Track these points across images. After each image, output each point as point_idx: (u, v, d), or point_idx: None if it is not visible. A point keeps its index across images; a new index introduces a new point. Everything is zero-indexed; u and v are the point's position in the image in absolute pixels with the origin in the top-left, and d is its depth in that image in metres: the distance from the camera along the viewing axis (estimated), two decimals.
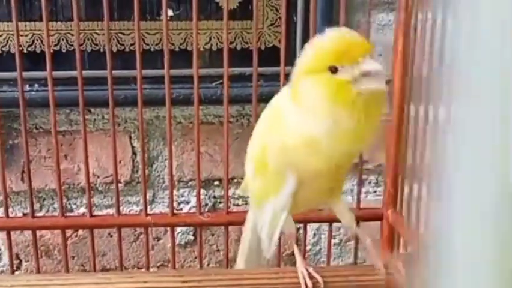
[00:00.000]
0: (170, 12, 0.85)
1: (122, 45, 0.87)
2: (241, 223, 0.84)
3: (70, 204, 0.94)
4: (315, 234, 0.99)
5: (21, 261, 0.96)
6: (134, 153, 0.93)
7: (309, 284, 0.61)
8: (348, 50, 0.54)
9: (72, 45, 0.86)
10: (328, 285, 0.61)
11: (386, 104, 0.60)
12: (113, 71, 0.77)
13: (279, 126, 0.58)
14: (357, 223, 0.82)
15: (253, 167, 0.62)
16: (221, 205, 0.96)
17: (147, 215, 0.81)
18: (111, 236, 0.96)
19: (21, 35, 0.84)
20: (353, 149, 0.59)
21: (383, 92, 0.55)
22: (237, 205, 0.96)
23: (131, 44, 0.87)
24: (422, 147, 0.73)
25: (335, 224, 0.85)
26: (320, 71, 0.54)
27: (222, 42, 0.87)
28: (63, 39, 0.86)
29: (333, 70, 0.53)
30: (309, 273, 0.62)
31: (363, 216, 0.81)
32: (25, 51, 0.85)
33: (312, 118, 0.55)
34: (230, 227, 0.84)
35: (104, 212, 0.94)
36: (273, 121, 0.60)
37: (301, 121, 0.56)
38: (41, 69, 0.84)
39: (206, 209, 0.96)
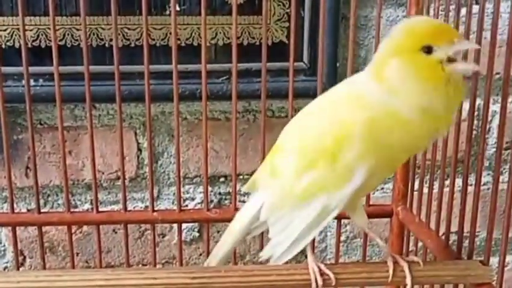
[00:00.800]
0: (177, 7, 0.84)
1: (128, 40, 0.86)
2: None
3: (74, 200, 0.94)
4: (321, 232, 0.98)
5: (25, 257, 0.96)
6: (139, 149, 0.92)
7: (320, 280, 0.60)
8: (444, 31, 0.56)
9: (77, 40, 0.85)
10: (339, 282, 0.60)
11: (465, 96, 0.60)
12: (119, 66, 0.76)
13: (362, 108, 0.56)
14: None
15: (309, 159, 0.58)
16: (226, 201, 0.96)
17: (154, 211, 0.80)
18: (115, 233, 0.95)
19: (27, 30, 0.83)
20: (439, 129, 0.58)
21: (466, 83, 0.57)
22: (243, 202, 0.95)
23: (137, 39, 0.86)
24: (434, 143, 0.72)
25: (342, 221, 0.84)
26: (412, 51, 0.55)
27: (228, 38, 0.87)
28: (68, 34, 0.85)
29: (427, 50, 0.54)
30: (320, 270, 0.61)
31: (372, 212, 0.81)
32: (30, 46, 0.84)
33: (403, 95, 0.55)
34: None
35: (110, 208, 0.94)
36: (352, 103, 0.57)
37: (390, 99, 0.55)
38: (45, 64, 0.84)
39: (212, 206, 0.95)
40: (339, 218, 0.82)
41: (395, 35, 0.57)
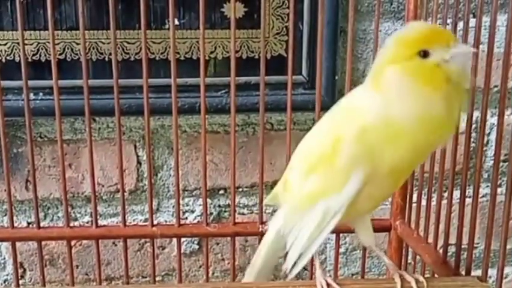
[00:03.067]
0: (175, 21, 0.85)
1: (128, 54, 0.86)
2: (247, 234, 0.84)
3: (74, 213, 0.94)
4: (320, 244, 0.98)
5: (25, 270, 0.96)
6: (139, 162, 0.93)
7: None
8: (439, 34, 0.56)
9: (77, 54, 0.86)
10: None
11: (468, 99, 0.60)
12: (118, 80, 0.76)
13: (357, 115, 0.56)
14: None
15: (310, 165, 0.59)
16: (226, 214, 0.96)
17: (153, 225, 0.81)
18: (115, 245, 0.95)
19: (26, 44, 0.83)
20: (440, 136, 0.57)
21: (468, 79, 0.56)
22: (243, 214, 0.96)
23: (136, 53, 0.86)
24: (431, 156, 0.72)
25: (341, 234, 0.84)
26: (408, 58, 0.55)
27: (227, 51, 0.87)
28: (68, 48, 0.85)
29: (424, 55, 0.54)
30: (328, 284, 0.60)
31: None
32: (30, 60, 0.85)
33: (399, 103, 0.54)
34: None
35: (109, 220, 0.94)
36: (347, 114, 0.58)
37: (385, 107, 0.55)
38: (45, 78, 0.84)
39: (211, 218, 0.95)
40: (338, 231, 0.82)
41: (391, 43, 0.57)
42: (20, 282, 0.93)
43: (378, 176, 0.56)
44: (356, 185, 0.56)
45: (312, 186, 0.58)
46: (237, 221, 0.83)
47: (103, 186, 0.93)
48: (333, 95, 0.88)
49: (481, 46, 0.64)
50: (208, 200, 0.94)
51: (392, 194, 0.64)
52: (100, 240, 0.82)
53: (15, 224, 0.85)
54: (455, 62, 0.54)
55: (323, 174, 0.57)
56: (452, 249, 0.72)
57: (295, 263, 0.59)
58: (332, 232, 0.78)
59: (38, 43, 0.85)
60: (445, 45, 0.54)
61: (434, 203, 0.74)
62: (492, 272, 0.69)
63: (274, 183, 0.93)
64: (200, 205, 0.95)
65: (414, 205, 0.79)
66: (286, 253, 0.61)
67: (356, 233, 0.66)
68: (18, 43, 0.82)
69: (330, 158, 0.56)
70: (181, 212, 0.92)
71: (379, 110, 0.55)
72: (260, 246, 0.69)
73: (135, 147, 0.92)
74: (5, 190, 0.79)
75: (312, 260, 0.86)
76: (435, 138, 0.57)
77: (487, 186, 0.93)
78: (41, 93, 0.86)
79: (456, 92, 0.55)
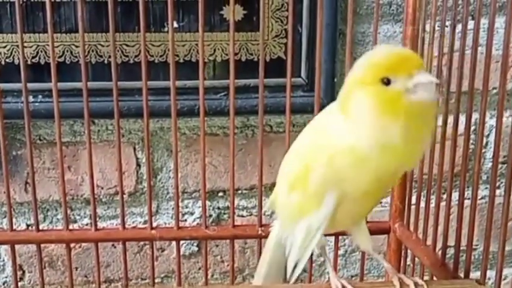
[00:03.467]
0: (174, 24, 0.85)
1: (127, 56, 0.86)
2: (246, 236, 0.84)
3: (73, 215, 0.94)
4: None
5: (24, 272, 0.96)
6: (138, 165, 0.93)
7: None
8: (403, 62, 0.54)
9: (76, 57, 0.86)
10: None
11: (435, 123, 0.59)
12: (118, 83, 0.76)
13: (325, 140, 0.57)
14: None
15: (290, 183, 0.61)
16: (225, 216, 0.96)
17: (152, 228, 0.81)
18: (115, 247, 0.95)
19: (26, 47, 0.84)
20: (402, 165, 0.57)
21: (433, 109, 0.55)
22: (242, 216, 0.96)
23: (136, 56, 0.86)
24: (430, 158, 0.73)
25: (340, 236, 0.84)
26: (372, 83, 0.54)
27: (226, 54, 0.87)
28: (67, 51, 0.86)
29: (386, 82, 0.53)
30: (343, 286, 0.61)
31: (369, 229, 0.81)
32: (29, 62, 0.85)
33: (362, 130, 0.54)
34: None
35: (108, 223, 0.94)
36: (318, 136, 0.59)
37: (350, 134, 0.55)
38: (45, 80, 0.84)
39: (210, 220, 0.95)
40: (336, 233, 0.82)
41: (358, 67, 0.57)
42: (19, 284, 0.93)
43: (352, 197, 0.57)
44: (331, 205, 0.57)
45: (294, 203, 0.60)
46: (236, 223, 0.83)
47: (102, 188, 0.93)
48: (332, 97, 0.87)
49: (479, 48, 0.64)
50: (208, 202, 0.94)
51: (375, 207, 0.64)
52: (99, 243, 0.82)
53: (15, 226, 0.85)
54: (417, 91, 0.53)
55: (301, 193, 0.59)
56: (451, 251, 0.72)
57: (293, 269, 0.61)
58: (331, 234, 0.78)
59: (38, 46, 0.85)
60: (409, 74, 0.53)
61: (433, 205, 0.74)
62: (491, 274, 0.69)
63: (274, 185, 0.93)
64: (199, 207, 0.95)
65: (413, 207, 0.80)
66: None
67: (352, 238, 0.67)
68: (17, 46, 0.82)
69: (304, 181, 0.58)
70: (180, 214, 0.92)
71: (345, 137, 0.55)
72: (264, 249, 0.71)
73: (134, 149, 0.92)
74: (5, 192, 0.79)
75: (311, 262, 0.87)
76: (397, 167, 0.57)
77: (486, 188, 0.93)
78: (40, 96, 0.86)
79: (419, 122, 0.54)
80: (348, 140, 0.55)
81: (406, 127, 0.53)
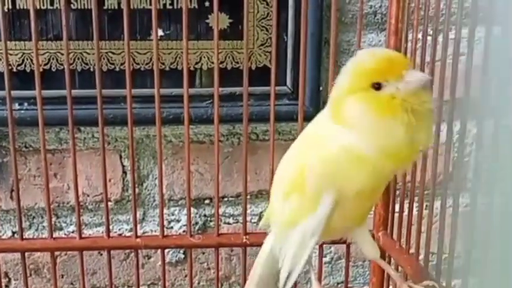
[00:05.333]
0: (160, 32, 0.85)
1: (113, 64, 0.87)
2: (231, 245, 0.85)
3: (59, 222, 0.94)
4: None
5: (10, 279, 0.95)
6: (124, 172, 0.93)
7: None
8: (391, 65, 0.55)
9: (61, 64, 0.86)
10: None
11: (432, 126, 0.60)
12: (103, 90, 0.76)
13: (320, 143, 0.58)
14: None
15: (285, 189, 0.61)
16: (211, 223, 0.96)
17: (137, 236, 0.81)
18: (101, 255, 0.95)
19: (11, 54, 0.84)
20: (399, 165, 0.58)
21: (429, 103, 0.56)
22: (228, 223, 0.96)
23: (121, 64, 0.87)
24: (413, 167, 0.73)
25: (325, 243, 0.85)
26: (363, 89, 0.55)
27: (212, 62, 0.88)
28: (53, 59, 0.86)
29: (377, 87, 0.55)
30: None
31: None
32: (15, 70, 0.85)
33: (358, 135, 0.55)
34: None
35: (95, 230, 0.94)
36: (312, 143, 0.60)
37: (346, 136, 0.56)
38: (30, 88, 0.84)
39: (196, 227, 0.95)
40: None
41: (346, 74, 0.57)
42: None
43: (347, 199, 0.58)
44: (327, 208, 0.58)
45: (289, 210, 0.60)
46: (222, 230, 0.83)
47: (88, 196, 0.93)
48: (317, 106, 0.88)
49: (461, 58, 0.65)
50: (194, 210, 0.94)
51: (370, 210, 0.65)
52: (84, 251, 0.82)
53: (0, 234, 0.85)
54: (409, 90, 0.54)
55: (297, 199, 0.59)
56: (435, 258, 0.72)
57: (286, 281, 0.62)
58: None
59: (23, 53, 0.85)
60: (398, 75, 0.54)
61: (415, 213, 0.74)
62: (473, 281, 0.69)
63: (259, 192, 0.95)
64: (186, 214, 0.95)
65: (396, 215, 0.80)
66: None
67: (358, 247, 0.67)
68: (2, 53, 0.82)
69: (300, 184, 0.58)
70: (166, 221, 0.92)
71: (340, 140, 0.56)
72: (256, 262, 0.70)
73: (120, 157, 0.92)
74: None
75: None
76: (396, 165, 0.58)
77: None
78: (26, 103, 0.86)
79: (417, 118, 0.55)
80: (345, 142, 0.56)
81: (406, 124, 0.54)
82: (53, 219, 0.84)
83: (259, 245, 0.71)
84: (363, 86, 0.55)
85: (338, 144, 0.56)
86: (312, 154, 0.58)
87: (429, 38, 0.71)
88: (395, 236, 0.80)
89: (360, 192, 0.57)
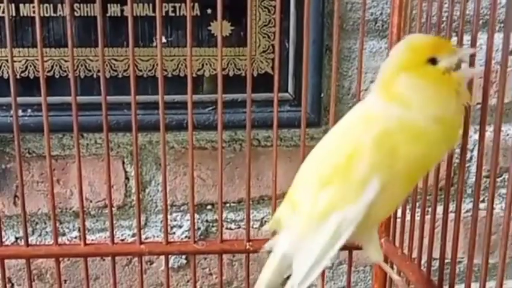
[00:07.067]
0: (163, 39, 0.86)
1: (115, 71, 0.87)
2: (234, 251, 0.85)
3: (62, 228, 0.94)
4: None
5: (13, 285, 0.96)
6: (127, 178, 0.93)
7: None
8: (443, 42, 0.59)
9: (65, 71, 0.86)
10: None
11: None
12: (107, 97, 0.77)
13: (371, 126, 0.57)
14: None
15: (322, 179, 0.58)
16: (214, 229, 0.97)
17: (141, 243, 0.81)
18: (104, 260, 0.96)
19: (15, 61, 0.84)
20: (455, 137, 0.60)
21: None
22: (230, 229, 0.96)
23: (124, 70, 0.87)
24: None
25: None
26: (418, 64, 0.57)
27: (214, 69, 0.88)
28: (56, 65, 0.86)
29: (433, 62, 0.57)
30: None
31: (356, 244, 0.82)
32: (18, 76, 0.85)
33: (415, 109, 0.56)
34: None
35: (97, 235, 0.94)
36: (361, 125, 0.59)
37: (404, 112, 0.56)
38: (34, 94, 0.85)
39: (199, 233, 0.96)
40: None
41: (399, 53, 0.59)
42: None
43: (393, 183, 0.57)
44: (372, 194, 0.56)
45: (326, 199, 0.57)
46: (224, 235, 0.84)
47: (91, 201, 0.94)
48: (319, 112, 0.89)
49: (463, 65, 0.65)
50: (196, 215, 0.95)
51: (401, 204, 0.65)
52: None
53: (3, 239, 0.85)
54: (463, 68, 0.58)
55: (338, 186, 0.57)
56: (437, 264, 0.72)
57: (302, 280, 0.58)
58: None
59: (27, 60, 0.85)
60: (451, 51, 0.58)
61: (418, 219, 0.75)
62: (475, 286, 0.70)
63: (261, 198, 0.95)
64: (188, 220, 0.95)
65: (398, 221, 0.80)
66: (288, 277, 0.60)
67: (363, 249, 0.65)
68: (7, 60, 0.83)
69: (345, 168, 0.57)
70: (169, 227, 0.93)
71: (396, 115, 0.57)
72: (264, 269, 0.66)
73: (123, 163, 0.93)
74: None
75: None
76: (450, 139, 0.59)
77: (471, 201, 0.94)
78: (29, 110, 0.86)
79: (463, 97, 0.58)
80: (401, 117, 0.56)
81: (457, 100, 0.57)
82: (56, 224, 0.84)
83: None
84: (419, 62, 0.57)
85: (393, 120, 0.56)
86: (362, 136, 0.57)
87: None
88: (397, 243, 0.81)
89: (410, 171, 0.57)
